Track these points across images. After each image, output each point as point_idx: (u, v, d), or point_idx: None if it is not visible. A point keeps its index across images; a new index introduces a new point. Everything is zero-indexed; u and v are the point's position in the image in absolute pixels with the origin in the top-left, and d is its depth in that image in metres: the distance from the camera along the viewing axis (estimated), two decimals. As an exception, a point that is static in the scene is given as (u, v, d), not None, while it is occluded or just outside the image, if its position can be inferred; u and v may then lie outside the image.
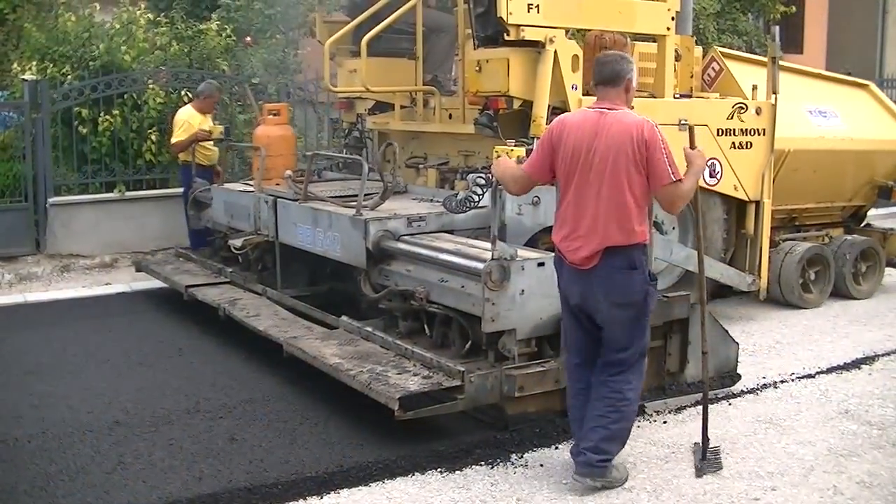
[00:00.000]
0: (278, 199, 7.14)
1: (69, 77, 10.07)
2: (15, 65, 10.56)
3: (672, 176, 4.22)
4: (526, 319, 5.06)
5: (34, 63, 10.14)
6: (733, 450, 4.87)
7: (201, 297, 7.41)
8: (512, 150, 5.97)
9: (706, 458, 4.65)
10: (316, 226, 6.59)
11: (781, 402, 5.64)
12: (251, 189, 7.75)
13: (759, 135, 7.43)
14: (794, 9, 15.11)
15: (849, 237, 8.69)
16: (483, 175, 5.89)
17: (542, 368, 4.99)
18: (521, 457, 4.79)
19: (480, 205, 5.90)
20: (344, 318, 6.13)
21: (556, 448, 4.89)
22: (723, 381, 5.74)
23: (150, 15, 11.27)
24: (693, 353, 5.52)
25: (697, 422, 4.89)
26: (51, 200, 9.76)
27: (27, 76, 9.89)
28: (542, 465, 4.70)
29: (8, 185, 9.77)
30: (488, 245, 5.13)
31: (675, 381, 5.53)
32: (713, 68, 8.08)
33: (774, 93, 7.39)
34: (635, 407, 4.55)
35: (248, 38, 11.55)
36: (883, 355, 6.64)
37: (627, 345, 4.41)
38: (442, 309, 5.48)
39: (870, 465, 4.71)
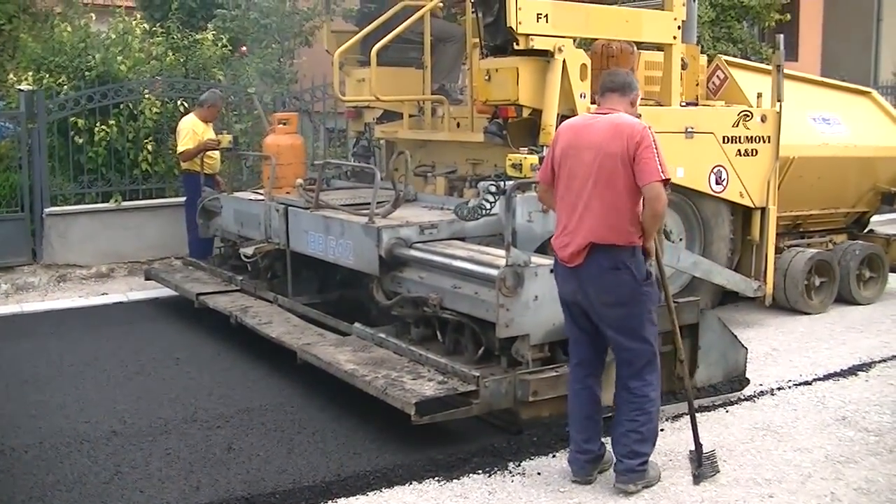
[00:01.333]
0: (289, 208, 7.17)
1: (65, 87, 10.08)
2: (11, 75, 10.59)
3: (661, 174, 4.23)
4: (539, 325, 5.10)
5: (30, 73, 10.16)
6: (730, 457, 4.88)
7: (212, 305, 7.42)
8: (526, 157, 6.02)
9: (702, 465, 4.65)
10: (328, 234, 6.62)
11: (778, 410, 5.65)
12: (261, 197, 7.79)
13: (764, 142, 7.49)
14: (788, 16, 15.13)
15: (853, 243, 8.76)
16: (495, 183, 5.92)
17: (555, 373, 5.02)
18: (519, 465, 4.79)
19: (492, 212, 5.93)
20: (357, 324, 6.16)
21: (554, 456, 4.89)
22: (732, 385, 5.80)
23: (145, 25, 11.31)
24: (703, 357, 5.59)
25: (695, 429, 4.90)
26: (47, 210, 9.76)
27: (23, 86, 9.89)
28: (539, 474, 4.70)
29: (4, 196, 9.76)
30: (500, 252, 5.19)
31: (685, 385, 5.55)
32: (718, 76, 8.15)
33: (779, 100, 7.46)
34: (659, 403, 4.60)
35: (244, 48, 11.58)
36: (879, 362, 6.65)
37: (629, 344, 4.43)
38: (455, 315, 5.53)
39: (867, 472, 4.71)
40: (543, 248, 5.96)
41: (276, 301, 7.28)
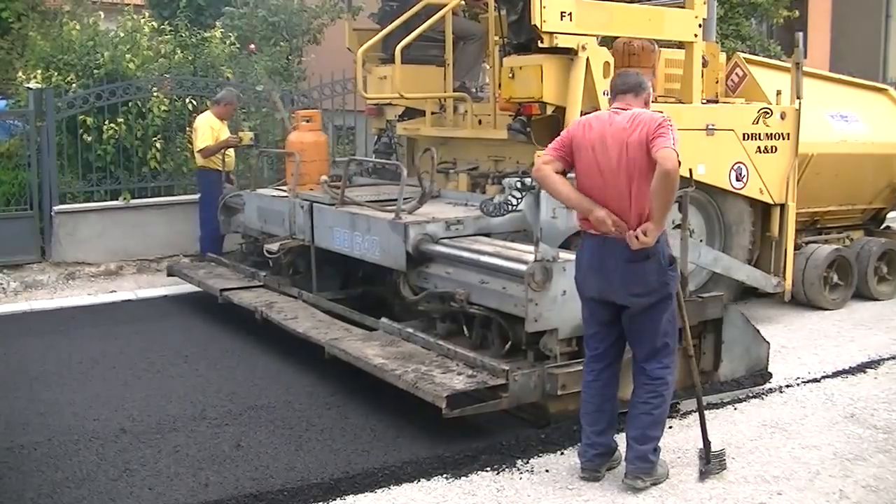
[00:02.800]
0: (314, 204, 7.20)
1: (74, 85, 10.10)
2: (20, 73, 10.60)
3: (673, 147, 4.15)
4: (567, 319, 5.13)
5: (39, 71, 10.17)
6: (739, 454, 4.87)
7: (237, 301, 7.44)
8: None
9: (710, 462, 4.65)
10: (354, 230, 6.65)
11: (787, 407, 5.64)
12: (285, 194, 7.82)
13: (783, 139, 7.51)
14: (797, 13, 15.09)
15: (870, 239, 8.79)
16: (521, 179, 5.95)
17: (582, 367, 5.01)
18: (527, 462, 4.79)
19: (517, 209, 5.96)
20: (384, 319, 6.18)
21: (562, 454, 4.89)
22: (754, 379, 5.85)
23: (154, 23, 11.33)
24: (727, 352, 5.65)
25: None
26: (56, 208, 9.79)
27: (32, 85, 9.91)
28: (547, 471, 4.70)
29: (13, 194, 9.78)
30: (527, 247, 5.20)
31: (708, 379, 5.60)
32: (736, 74, 8.18)
33: (798, 97, 7.47)
34: (672, 388, 4.60)
35: (252, 46, 11.59)
36: (888, 359, 6.63)
37: (654, 331, 4.44)
38: (482, 310, 5.55)
39: (876, 469, 4.70)
40: (566, 245, 6.00)
41: (300, 297, 7.29)
